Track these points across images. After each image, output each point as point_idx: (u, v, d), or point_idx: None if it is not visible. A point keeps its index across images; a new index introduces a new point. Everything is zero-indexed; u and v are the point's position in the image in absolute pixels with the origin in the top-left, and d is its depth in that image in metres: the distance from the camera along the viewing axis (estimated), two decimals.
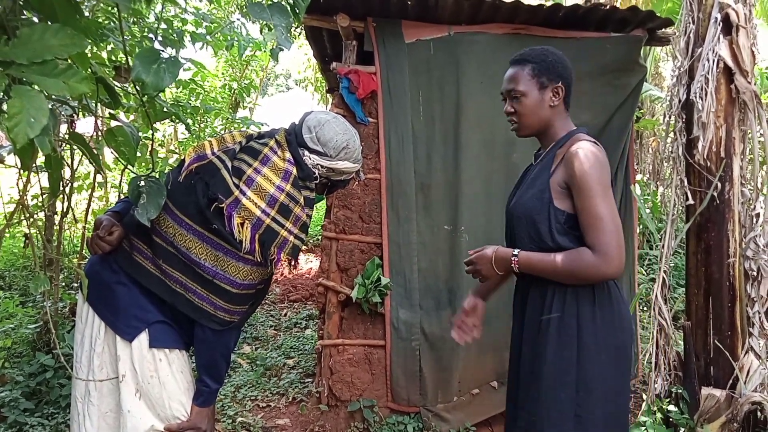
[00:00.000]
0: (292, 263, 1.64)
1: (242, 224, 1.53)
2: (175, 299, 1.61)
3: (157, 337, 1.62)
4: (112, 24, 2.85)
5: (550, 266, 1.57)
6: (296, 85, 16.82)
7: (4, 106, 1.04)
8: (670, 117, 3.03)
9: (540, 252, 1.62)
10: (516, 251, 1.63)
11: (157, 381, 1.63)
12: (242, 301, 1.65)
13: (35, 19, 1.29)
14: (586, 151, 1.58)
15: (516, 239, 1.72)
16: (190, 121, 4.99)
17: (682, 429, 2.80)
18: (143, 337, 1.62)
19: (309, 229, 1.68)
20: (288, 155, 1.63)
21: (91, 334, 1.67)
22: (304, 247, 2.86)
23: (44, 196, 2.87)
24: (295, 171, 1.61)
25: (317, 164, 1.66)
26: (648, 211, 5.77)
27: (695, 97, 2.77)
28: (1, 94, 1.03)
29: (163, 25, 3.09)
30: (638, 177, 7.34)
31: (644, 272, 5.52)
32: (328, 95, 7.42)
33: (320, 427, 3.10)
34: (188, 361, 1.76)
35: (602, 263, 1.49)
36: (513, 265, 1.63)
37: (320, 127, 1.69)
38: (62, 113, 1.65)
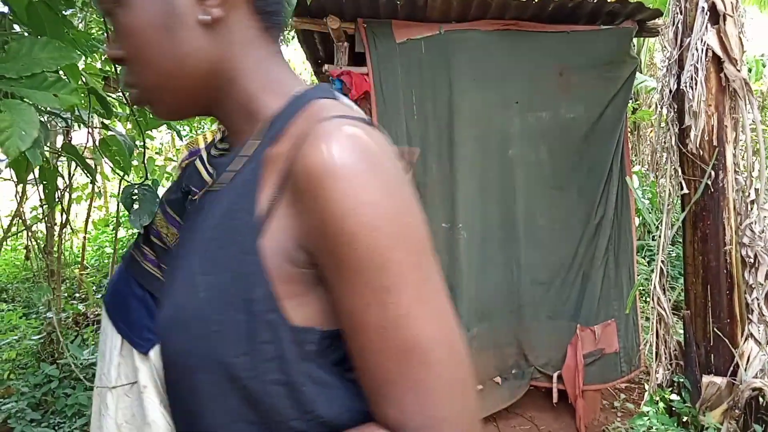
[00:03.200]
0: None
1: None
2: None
3: None
4: (105, 35, 2.87)
5: None
6: None
7: None
8: (662, 107, 3.04)
9: None
10: None
11: None
12: None
13: (25, 34, 1.31)
14: (350, 152, 0.54)
15: (203, 414, 0.66)
16: (187, 127, 5.01)
17: (685, 417, 2.81)
18: (157, 350, 1.67)
19: None
20: None
21: (111, 345, 1.72)
22: None
23: (43, 208, 2.91)
24: None
25: None
26: (647, 201, 5.78)
27: (686, 86, 2.78)
28: None
29: None
30: (636, 168, 7.35)
31: (645, 263, 5.53)
32: None
33: None
34: None
35: None
36: None
37: None
38: (57, 125, 1.68)
